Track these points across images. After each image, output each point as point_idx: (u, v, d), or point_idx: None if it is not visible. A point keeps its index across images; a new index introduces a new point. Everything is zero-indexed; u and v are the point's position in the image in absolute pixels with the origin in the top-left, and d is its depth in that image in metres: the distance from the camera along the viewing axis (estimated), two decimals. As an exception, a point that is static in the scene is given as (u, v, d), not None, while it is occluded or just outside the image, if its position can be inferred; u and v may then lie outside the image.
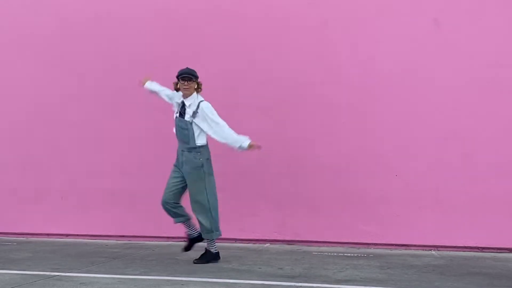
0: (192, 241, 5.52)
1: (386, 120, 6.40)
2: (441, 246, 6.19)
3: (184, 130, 5.24)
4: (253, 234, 6.65)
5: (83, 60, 7.28)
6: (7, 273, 4.86)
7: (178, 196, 5.41)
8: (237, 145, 5.23)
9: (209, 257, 5.36)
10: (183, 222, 5.49)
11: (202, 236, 5.42)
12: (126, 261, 5.48)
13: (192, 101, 5.28)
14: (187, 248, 5.55)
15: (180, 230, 6.84)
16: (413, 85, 6.36)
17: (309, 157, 6.55)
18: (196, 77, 5.34)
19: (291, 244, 6.52)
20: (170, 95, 5.53)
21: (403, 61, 6.39)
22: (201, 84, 5.39)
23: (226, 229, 6.69)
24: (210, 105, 5.27)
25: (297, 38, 6.67)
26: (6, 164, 7.44)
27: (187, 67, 5.38)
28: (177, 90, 5.40)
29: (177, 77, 5.33)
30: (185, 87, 5.26)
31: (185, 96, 5.30)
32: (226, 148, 6.76)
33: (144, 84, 5.72)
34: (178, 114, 5.30)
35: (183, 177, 5.34)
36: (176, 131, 5.35)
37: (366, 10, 6.53)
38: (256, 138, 6.62)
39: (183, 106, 5.29)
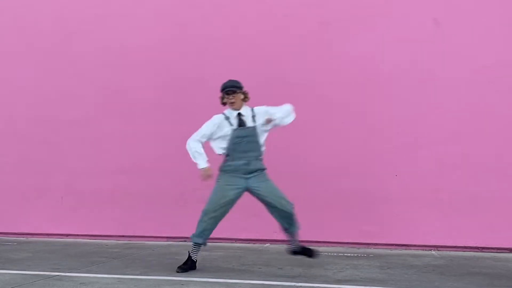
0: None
1: (386, 120, 6.40)
2: (441, 246, 6.19)
3: (250, 138, 5.02)
4: (253, 234, 6.65)
5: (83, 60, 7.29)
6: (7, 273, 4.86)
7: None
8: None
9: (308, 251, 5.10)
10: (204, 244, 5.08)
11: (295, 229, 5.13)
12: (126, 261, 5.48)
13: (245, 111, 5.10)
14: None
15: (180, 230, 6.87)
16: (413, 85, 6.37)
17: (309, 157, 6.55)
18: (240, 88, 5.11)
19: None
20: (212, 132, 5.15)
21: (403, 61, 6.39)
22: (247, 93, 5.15)
23: (226, 229, 6.72)
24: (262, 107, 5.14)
25: (297, 38, 6.68)
26: (6, 164, 7.44)
27: (229, 80, 5.12)
28: (223, 104, 5.18)
29: (221, 91, 5.11)
30: (231, 101, 5.07)
31: (235, 108, 5.09)
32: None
33: (205, 171, 5.12)
34: (236, 126, 5.02)
35: (242, 192, 5.06)
36: (234, 144, 5.01)
37: (366, 10, 6.53)
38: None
39: (239, 117, 5.07)
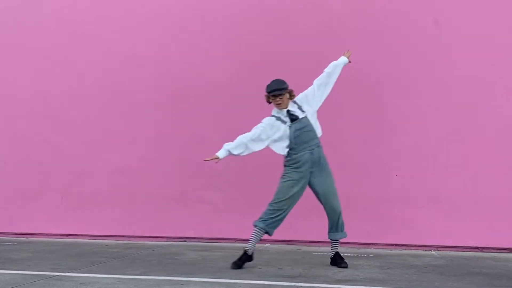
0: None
1: (386, 120, 6.40)
2: (441, 246, 6.19)
3: (306, 127, 5.10)
4: (253, 234, 6.63)
5: (83, 60, 7.29)
6: (7, 273, 4.86)
7: None
8: (340, 68, 5.38)
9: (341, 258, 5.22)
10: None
11: (339, 235, 5.21)
12: (126, 261, 5.48)
13: (291, 106, 5.16)
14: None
15: (180, 230, 6.87)
16: (413, 85, 6.37)
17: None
18: (286, 88, 5.13)
19: (291, 244, 6.52)
20: (260, 137, 5.19)
21: (403, 61, 6.39)
22: (292, 91, 5.19)
23: (226, 229, 6.73)
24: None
25: (297, 38, 6.67)
26: (6, 164, 7.44)
27: (274, 81, 5.13)
28: (269, 102, 5.22)
29: (268, 93, 5.13)
30: (277, 103, 5.12)
31: (282, 108, 5.14)
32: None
33: (216, 157, 5.23)
34: (290, 122, 5.09)
35: (305, 185, 5.14)
36: (294, 138, 5.09)
37: (365, 10, 6.53)
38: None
39: (289, 114, 5.13)
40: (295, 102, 5.19)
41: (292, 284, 4.38)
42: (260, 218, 5.16)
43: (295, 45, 6.69)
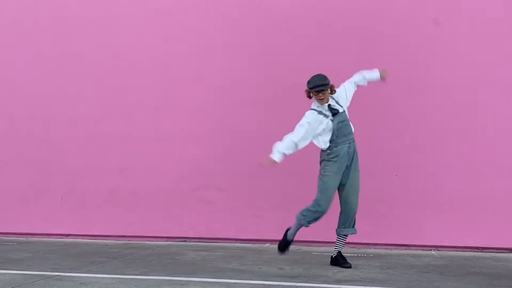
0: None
1: (386, 120, 6.39)
2: (441, 246, 6.19)
3: (346, 121, 5.21)
4: (253, 234, 6.65)
5: (83, 60, 7.28)
6: (7, 273, 4.86)
7: None
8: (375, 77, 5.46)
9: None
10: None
11: (350, 231, 5.26)
12: (126, 261, 5.48)
13: (331, 100, 5.25)
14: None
15: (180, 230, 6.87)
16: (412, 85, 6.36)
17: (309, 157, 6.54)
18: (328, 84, 5.18)
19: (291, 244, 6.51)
20: (312, 133, 5.22)
21: (402, 60, 6.38)
22: (333, 86, 5.24)
23: (226, 229, 6.73)
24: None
25: (297, 38, 6.68)
26: (6, 164, 7.44)
27: (316, 76, 5.19)
28: (309, 97, 5.31)
29: (310, 88, 5.20)
30: (320, 98, 5.19)
31: (324, 103, 5.22)
32: (225, 149, 6.78)
33: (274, 162, 5.22)
34: (332, 116, 5.16)
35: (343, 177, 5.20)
36: (337, 130, 5.14)
37: (365, 10, 6.53)
38: (256, 138, 6.67)
39: (329, 108, 5.21)
40: (332, 97, 5.28)
41: (292, 284, 4.38)
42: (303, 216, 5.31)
43: (296, 45, 6.69)
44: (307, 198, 6.51)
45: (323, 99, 5.19)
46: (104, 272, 4.90)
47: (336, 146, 5.16)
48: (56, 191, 7.25)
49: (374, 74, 5.46)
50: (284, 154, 5.21)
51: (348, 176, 5.17)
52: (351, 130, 5.25)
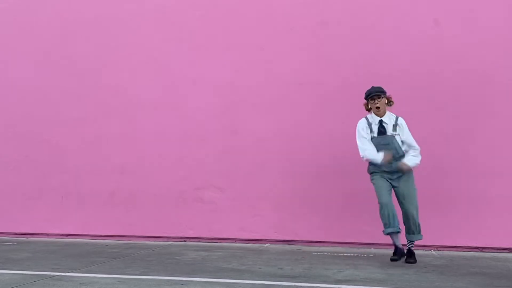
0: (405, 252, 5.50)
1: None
2: (441, 246, 6.19)
3: (388, 146, 5.28)
4: (253, 234, 6.65)
5: (83, 59, 7.29)
6: (7, 273, 4.86)
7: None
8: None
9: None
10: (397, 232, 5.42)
11: (412, 238, 5.41)
12: (126, 261, 5.48)
13: (389, 117, 5.35)
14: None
15: (180, 230, 6.87)
16: (412, 85, 6.36)
17: (309, 157, 6.55)
18: (385, 93, 5.32)
19: (291, 244, 6.53)
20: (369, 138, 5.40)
21: (402, 60, 6.39)
22: (391, 98, 5.37)
23: (226, 229, 6.74)
24: (404, 121, 5.40)
25: (296, 38, 6.68)
26: (6, 164, 7.44)
27: (372, 87, 5.37)
28: (368, 110, 5.41)
29: (366, 98, 5.35)
30: (376, 105, 5.28)
31: (379, 115, 5.33)
32: (225, 149, 6.78)
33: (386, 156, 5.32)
34: (376, 134, 5.31)
35: (392, 185, 5.36)
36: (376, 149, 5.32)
37: (365, 10, 6.53)
38: (256, 138, 6.68)
39: (381, 125, 5.32)
40: (397, 119, 5.35)
41: (292, 284, 4.38)
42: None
43: (296, 45, 6.69)
44: (307, 198, 6.53)
45: (379, 107, 5.27)
46: (104, 272, 4.89)
47: (372, 164, 5.36)
48: (56, 191, 7.25)
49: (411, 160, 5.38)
50: (377, 152, 5.31)
51: (399, 184, 5.33)
52: (394, 153, 5.26)
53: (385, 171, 5.31)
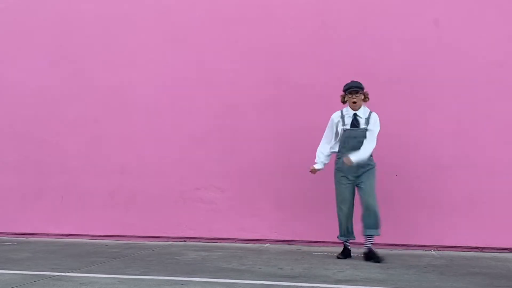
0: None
1: (386, 120, 6.38)
2: (441, 246, 6.19)
3: (358, 138, 5.41)
4: (253, 234, 6.65)
5: (83, 59, 7.29)
6: (7, 273, 4.86)
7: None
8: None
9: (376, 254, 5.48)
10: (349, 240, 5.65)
11: (370, 232, 5.46)
12: (126, 261, 5.48)
13: (363, 111, 5.47)
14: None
15: (180, 230, 6.87)
16: (412, 85, 6.36)
17: (309, 157, 6.54)
18: (363, 89, 5.46)
19: (291, 244, 6.53)
20: (334, 132, 5.57)
21: (402, 61, 6.39)
22: (367, 94, 5.50)
23: (226, 229, 6.74)
24: (378, 118, 5.50)
25: (296, 38, 6.68)
26: (6, 164, 7.44)
27: (352, 81, 5.49)
28: (343, 102, 5.54)
29: (344, 91, 5.48)
30: (354, 100, 5.41)
31: (354, 108, 5.46)
32: (225, 149, 6.78)
33: (314, 170, 5.64)
34: (349, 126, 5.44)
35: (354, 183, 5.49)
36: (344, 142, 5.45)
37: (366, 11, 6.53)
38: (256, 138, 6.68)
39: (355, 118, 5.44)
40: (370, 113, 5.48)
41: (292, 284, 4.38)
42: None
43: (296, 45, 6.69)
44: (307, 198, 6.53)
45: (356, 102, 5.40)
46: (104, 272, 4.89)
47: (339, 158, 5.48)
48: (56, 191, 7.25)
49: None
50: (319, 156, 5.64)
51: (361, 179, 5.44)
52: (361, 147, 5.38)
53: (350, 169, 5.39)
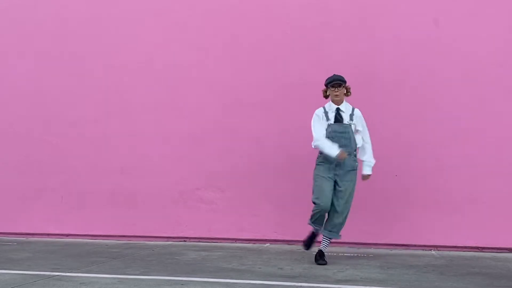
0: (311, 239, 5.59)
1: (386, 120, 6.39)
2: (441, 246, 6.19)
3: (344, 134, 5.29)
4: (253, 234, 6.65)
5: (83, 59, 7.29)
6: (7, 273, 4.86)
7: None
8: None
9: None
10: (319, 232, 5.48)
11: (331, 235, 5.41)
12: (126, 261, 5.48)
13: (345, 107, 5.38)
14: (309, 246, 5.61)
15: (180, 230, 6.87)
16: (412, 85, 6.37)
17: (310, 157, 6.54)
18: (345, 82, 5.37)
19: (291, 244, 6.52)
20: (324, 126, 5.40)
21: (402, 61, 6.39)
22: (349, 88, 5.43)
23: (226, 229, 6.74)
24: (361, 113, 5.43)
25: (296, 38, 6.68)
26: (6, 164, 7.44)
27: (334, 74, 5.38)
28: (326, 97, 5.45)
29: (326, 85, 5.38)
30: (335, 93, 5.32)
31: (337, 103, 5.36)
32: (225, 149, 6.78)
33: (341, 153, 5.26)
34: (333, 121, 5.31)
35: (334, 180, 5.30)
36: (332, 138, 5.28)
37: (366, 11, 6.53)
38: (256, 138, 6.69)
39: (338, 113, 5.33)
40: (353, 110, 5.38)
41: (292, 284, 4.38)
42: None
43: (296, 45, 6.69)
44: (307, 198, 6.52)
45: (338, 95, 5.30)
46: (104, 272, 4.90)
47: (322, 154, 5.33)
48: (56, 191, 7.25)
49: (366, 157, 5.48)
50: (333, 144, 5.27)
51: (342, 181, 5.27)
52: (349, 144, 5.28)
53: (333, 163, 5.25)
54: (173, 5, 7.08)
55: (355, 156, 5.38)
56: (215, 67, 6.88)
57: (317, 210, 5.27)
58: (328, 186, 5.26)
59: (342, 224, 5.37)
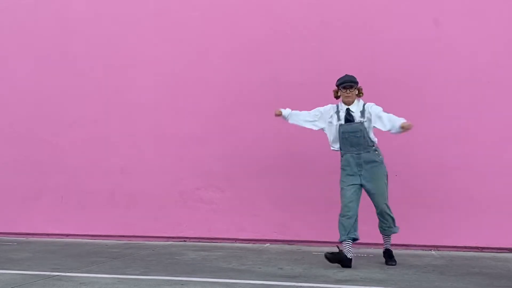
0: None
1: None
2: (441, 246, 6.19)
3: (356, 133, 5.16)
4: (253, 234, 6.65)
5: (83, 59, 7.29)
6: (7, 273, 4.86)
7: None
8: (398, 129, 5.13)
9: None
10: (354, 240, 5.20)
11: (387, 232, 5.38)
12: (126, 261, 5.48)
13: (356, 106, 5.24)
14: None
15: (180, 230, 6.87)
16: (413, 85, 6.36)
17: (310, 157, 6.55)
18: (357, 83, 5.24)
19: (291, 244, 6.52)
20: (317, 116, 5.38)
21: (402, 61, 6.39)
22: (361, 89, 5.29)
23: (226, 229, 6.74)
24: (373, 103, 5.23)
25: (296, 38, 6.68)
26: (6, 164, 7.44)
27: (346, 75, 5.26)
28: (336, 97, 5.34)
29: (338, 85, 5.25)
30: (347, 95, 5.20)
31: (348, 103, 5.23)
32: (225, 149, 6.78)
33: (278, 113, 5.49)
34: (343, 121, 5.20)
35: (360, 184, 5.19)
36: (344, 139, 5.21)
37: (366, 10, 6.53)
38: (256, 137, 6.68)
39: (348, 113, 5.22)
40: (363, 106, 5.23)
41: (292, 284, 4.38)
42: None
43: (296, 45, 6.69)
44: (307, 198, 6.53)
45: (349, 96, 5.20)
46: (104, 272, 4.90)
47: (343, 155, 5.30)
48: (56, 191, 7.25)
49: (397, 122, 5.12)
50: (290, 114, 5.43)
51: (366, 182, 5.18)
52: (364, 142, 5.16)
53: (354, 165, 5.17)
54: (173, 5, 7.08)
55: (375, 151, 5.22)
56: (215, 67, 6.88)
57: (344, 219, 5.15)
58: (350, 195, 5.14)
59: (390, 216, 5.31)
